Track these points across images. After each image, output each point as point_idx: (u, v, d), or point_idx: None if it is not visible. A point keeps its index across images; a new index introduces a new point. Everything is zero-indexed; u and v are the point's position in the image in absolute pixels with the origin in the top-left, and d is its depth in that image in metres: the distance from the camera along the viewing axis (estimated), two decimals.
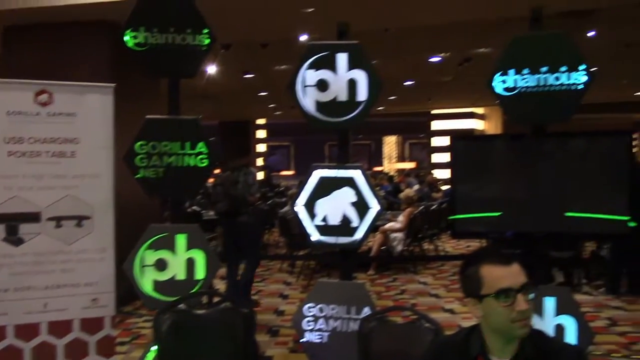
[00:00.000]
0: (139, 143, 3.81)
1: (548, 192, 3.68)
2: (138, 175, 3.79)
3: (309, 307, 3.79)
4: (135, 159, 3.81)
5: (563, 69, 3.38)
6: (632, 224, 3.66)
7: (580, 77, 3.36)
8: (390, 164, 33.91)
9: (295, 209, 3.82)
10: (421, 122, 24.41)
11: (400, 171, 27.35)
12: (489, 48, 10.95)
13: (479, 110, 21.93)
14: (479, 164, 3.92)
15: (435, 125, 22.81)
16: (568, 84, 3.38)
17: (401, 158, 35.20)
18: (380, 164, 33.92)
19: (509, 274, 1.76)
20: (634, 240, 7.01)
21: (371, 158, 34.15)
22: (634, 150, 26.34)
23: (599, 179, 3.73)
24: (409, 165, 31.64)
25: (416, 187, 15.31)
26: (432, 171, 20.01)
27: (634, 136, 28.23)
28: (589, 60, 3.36)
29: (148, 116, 3.90)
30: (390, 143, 35.30)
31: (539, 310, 3.42)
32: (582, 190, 3.73)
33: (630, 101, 19.82)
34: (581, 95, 3.39)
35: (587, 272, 8.26)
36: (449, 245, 11.66)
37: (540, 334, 1.89)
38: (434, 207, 10.63)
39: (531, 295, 1.75)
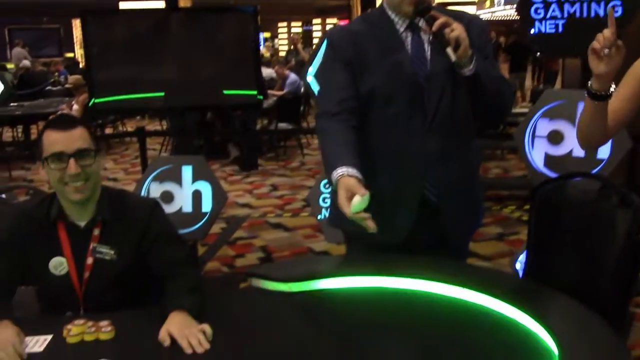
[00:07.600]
0: None
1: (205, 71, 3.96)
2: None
3: None
4: None
5: None
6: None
7: None
8: (82, 49, 31.58)
9: None
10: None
11: None
12: None
13: None
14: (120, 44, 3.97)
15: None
16: None
17: None
18: (72, 50, 31.51)
19: (64, 139, 1.83)
20: None
21: (62, 44, 31.43)
22: None
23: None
24: None
25: None
26: None
27: None
28: None
29: None
30: (80, 27, 32.73)
31: (178, 178, 3.74)
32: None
33: None
34: None
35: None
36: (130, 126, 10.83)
37: (120, 193, 2.03)
38: None
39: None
